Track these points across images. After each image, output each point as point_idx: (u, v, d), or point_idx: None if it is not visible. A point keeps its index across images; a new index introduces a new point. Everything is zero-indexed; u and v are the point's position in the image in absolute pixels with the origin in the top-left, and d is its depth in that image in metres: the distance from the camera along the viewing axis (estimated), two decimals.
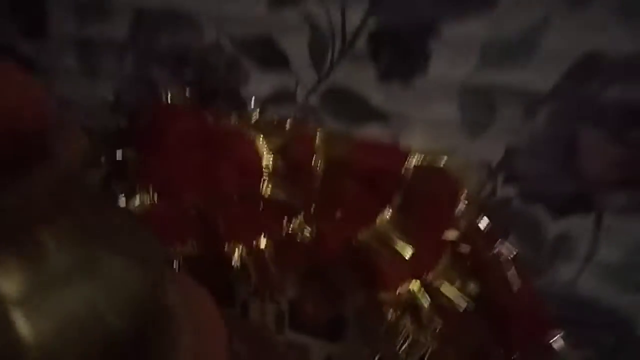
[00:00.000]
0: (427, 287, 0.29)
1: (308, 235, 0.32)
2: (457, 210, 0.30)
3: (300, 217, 0.32)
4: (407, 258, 0.28)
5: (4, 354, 0.15)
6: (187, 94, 0.34)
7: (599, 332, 0.35)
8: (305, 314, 0.38)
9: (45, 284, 0.16)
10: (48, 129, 0.16)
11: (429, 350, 0.29)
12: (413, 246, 0.29)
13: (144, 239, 0.18)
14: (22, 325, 0.15)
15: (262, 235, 0.32)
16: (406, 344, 0.28)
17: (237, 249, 0.32)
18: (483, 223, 0.31)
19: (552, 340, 0.28)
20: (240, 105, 0.34)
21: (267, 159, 0.31)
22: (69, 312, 0.15)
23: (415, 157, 0.30)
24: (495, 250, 0.30)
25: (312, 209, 0.31)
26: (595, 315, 0.35)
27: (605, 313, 0.34)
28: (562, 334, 0.29)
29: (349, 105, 0.32)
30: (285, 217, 0.32)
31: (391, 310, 0.28)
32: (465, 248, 0.30)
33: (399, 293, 0.28)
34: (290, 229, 0.32)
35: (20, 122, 0.15)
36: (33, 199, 0.16)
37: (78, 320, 0.15)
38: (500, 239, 0.31)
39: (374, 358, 0.35)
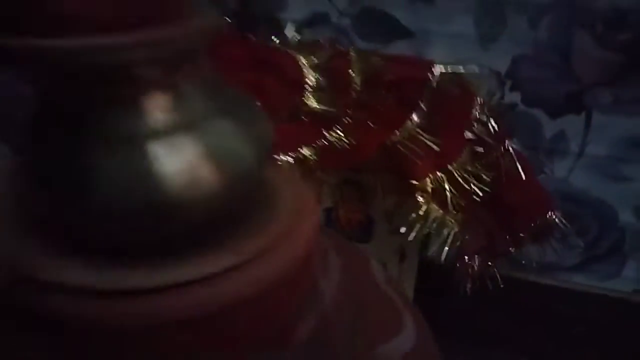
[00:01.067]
0: (449, 177, 0.34)
1: (346, 142, 0.37)
2: (473, 113, 0.35)
3: (339, 127, 0.37)
4: (433, 153, 0.34)
5: (148, 184, 0.20)
6: (230, 22, 0.38)
7: (587, 222, 0.42)
8: (339, 219, 0.44)
9: (182, 124, 0.20)
10: None
11: (452, 232, 0.35)
12: (438, 143, 0.34)
13: (262, 119, 0.22)
14: (163, 159, 0.20)
15: (306, 145, 0.37)
16: (434, 225, 0.34)
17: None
18: (493, 125, 0.37)
19: (552, 217, 0.35)
20: (279, 30, 0.38)
21: (308, 76, 0.36)
22: (201, 152, 0.20)
23: (438, 68, 0.35)
24: (504, 147, 0.36)
25: (349, 119, 0.36)
26: (584, 206, 0.42)
27: (594, 203, 0.41)
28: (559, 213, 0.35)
29: (378, 25, 0.37)
30: (326, 127, 0.37)
31: (421, 197, 0.34)
32: (479, 145, 0.36)
33: (427, 182, 0.34)
34: (330, 137, 0.37)
35: None
36: None
37: (208, 161, 0.20)
38: (507, 138, 0.37)
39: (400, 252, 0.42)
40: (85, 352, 0.21)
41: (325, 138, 0.37)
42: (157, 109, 0.19)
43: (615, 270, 0.43)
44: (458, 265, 0.38)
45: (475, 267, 0.38)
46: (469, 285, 0.39)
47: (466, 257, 0.38)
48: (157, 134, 0.19)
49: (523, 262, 0.40)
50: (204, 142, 0.20)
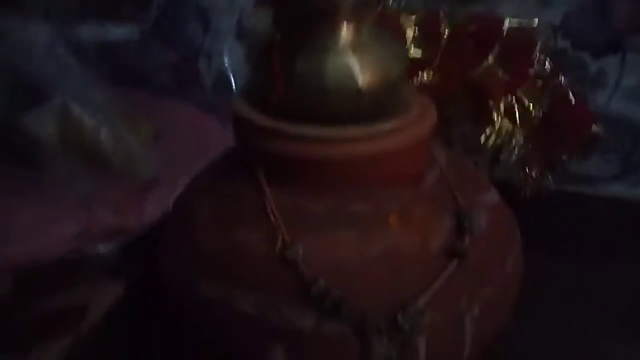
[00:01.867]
0: (517, 100, 0.47)
1: (435, 81, 0.49)
2: (533, 55, 0.47)
3: (431, 69, 0.49)
4: (504, 82, 0.46)
5: (346, 87, 0.32)
6: None
7: (622, 139, 0.53)
8: None
9: (363, 43, 0.33)
10: None
11: (519, 143, 0.47)
12: (508, 75, 0.46)
13: (402, 46, 0.35)
14: (356, 66, 0.33)
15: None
16: (505, 137, 0.46)
17: None
18: (549, 64, 0.48)
19: (595, 130, 0.47)
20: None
21: (408, 30, 0.48)
22: (379, 60, 0.33)
23: (507, 21, 0.47)
24: (558, 80, 0.48)
25: (438, 62, 0.49)
26: (620, 127, 0.53)
27: (628, 124, 0.52)
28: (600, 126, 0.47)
29: None
30: (421, 69, 0.49)
31: (495, 114, 0.46)
32: (539, 79, 0.48)
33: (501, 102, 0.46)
34: (424, 77, 0.49)
35: None
36: None
37: (384, 66, 0.33)
38: (560, 74, 0.48)
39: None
40: (285, 180, 0.34)
41: (420, 78, 0.50)
42: (349, 33, 0.33)
43: None
44: (520, 175, 0.50)
45: (534, 176, 0.50)
46: (528, 192, 0.51)
47: (527, 168, 0.50)
48: (350, 48, 0.32)
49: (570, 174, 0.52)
50: (376, 55, 0.33)
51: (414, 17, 0.48)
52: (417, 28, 0.48)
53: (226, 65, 0.61)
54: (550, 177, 0.51)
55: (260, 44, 0.34)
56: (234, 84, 0.60)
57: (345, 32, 0.33)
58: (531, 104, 0.47)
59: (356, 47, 0.33)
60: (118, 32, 0.49)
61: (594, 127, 0.48)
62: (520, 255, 0.39)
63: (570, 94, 0.48)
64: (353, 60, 0.32)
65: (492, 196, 0.39)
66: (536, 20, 0.48)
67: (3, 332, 0.41)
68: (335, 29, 0.32)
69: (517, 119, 0.47)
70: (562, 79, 0.48)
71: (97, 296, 0.45)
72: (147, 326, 0.47)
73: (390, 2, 0.50)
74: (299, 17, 0.33)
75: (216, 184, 0.40)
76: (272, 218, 0.34)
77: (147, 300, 0.46)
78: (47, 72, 0.43)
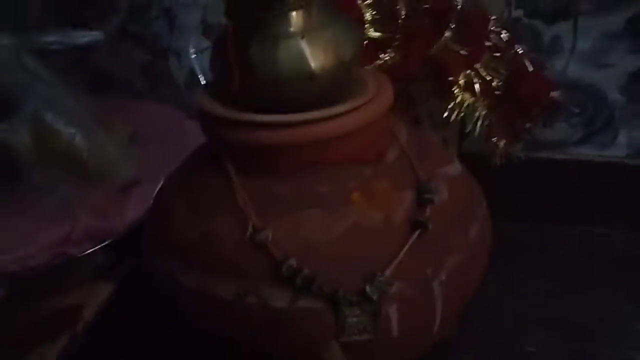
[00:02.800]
0: (476, 74, 0.48)
1: (396, 60, 0.50)
2: (489, 27, 0.49)
3: (390, 49, 0.50)
4: (462, 57, 0.47)
5: (300, 72, 0.34)
6: None
7: (584, 104, 0.55)
8: None
9: (315, 27, 0.34)
10: None
11: (482, 114, 0.49)
12: (465, 50, 0.47)
13: (356, 28, 0.36)
14: (308, 50, 0.34)
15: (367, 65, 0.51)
16: (468, 109, 0.48)
17: None
18: (505, 34, 0.50)
19: (555, 96, 0.48)
20: None
21: (365, 10, 0.49)
22: (330, 43, 0.34)
23: None
24: (514, 50, 0.49)
25: (397, 41, 0.50)
26: (580, 91, 0.54)
27: (587, 88, 0.54)
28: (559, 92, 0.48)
29: None
30: (381, 50, 0.50)
31: (456, 89, 0.48)
32: (496, 50, 0.49)
33: (460, 77, 0.47)
34: (384, 57, 0.50)
35: None
36: None
37: (336, 48, 0.34)
38: (516, 43, 0.50)
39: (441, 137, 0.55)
40: (251, 167, 0.35)
41: (380, 58, 0.51)
42: (299, 19, 0.34)
43: (611, 139, 0.57)
44: (488, 145, 0.52)
45: (502, 146, 0.52)
46: (498, 161, 0.52)
47: (493, 138, 0.52)
48: (301, 33, 0.34)
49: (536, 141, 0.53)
50: (327, 38, 0.34)
51: (371, 0, 0.49)
52: (374, 10, 0.49)
53: (194, 62, 0.62)
54: (518, 146, 0.53)
55: (215, 37, 0.35)
56: (203, 79, 0.61)
57: (295, 18, 0.34)
58: (490, 76, 0.48)
59: (307, 31, 0.34)
60: (84, 38, 0.50)
61: (554, 94, 0.49)
62: (486, 224, 0.41)
63: (528, 63, 0.49)
64: (304, 44, 0.34)
65: (453, 168, 0.41)
66: None
67: (1, 338, 0.42)
68: (285, 16, 0.34)
69: (478, 91, 0.48)
70: (519, 49, 0.49)
71: (89, 296, 0.47)
72: (139, 320, 0.49)
73: None
74: (249, 6, 0.34)
75: (189, 178, 0.41)
76: (241, 205, 0.35)
77: (136, 295, 0.48)
78: (16, 82, 0.44)
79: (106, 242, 0.48)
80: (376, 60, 0.51)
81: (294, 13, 0.34)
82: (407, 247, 0.34)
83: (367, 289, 0.32)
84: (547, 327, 0.50)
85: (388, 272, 0.33)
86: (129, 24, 0.65)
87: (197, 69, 0.61)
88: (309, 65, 0.34)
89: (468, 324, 0.50)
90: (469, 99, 0.48)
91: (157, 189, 0.45)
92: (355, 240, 0.34)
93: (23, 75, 0.45)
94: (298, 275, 0.33)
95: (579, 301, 0.52)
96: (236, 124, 0.35)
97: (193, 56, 0.61)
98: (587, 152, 0.57)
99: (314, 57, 0.34)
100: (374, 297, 0.32)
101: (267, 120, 0.34)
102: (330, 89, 0.35)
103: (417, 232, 0.34)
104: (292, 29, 0.34)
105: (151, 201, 0.45)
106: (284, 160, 0.35)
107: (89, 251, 0.47)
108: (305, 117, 0.34)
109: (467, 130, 0.49)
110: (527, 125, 0.51)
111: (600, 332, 0.49)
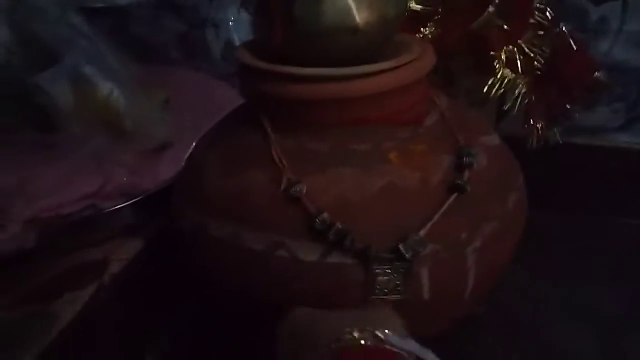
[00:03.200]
0: (519, 49, 0.47)
1: (437, 34, 0.50)
2: (534, 5, 0.48)
3: (431, 23, 0.49)
4: (505, 32, 0.46)
5: (344, 26, 0.33)
6: None
7: (628, 88, 0.53)
8: None
9: None
10: None
11: (522, 92, 0.48)
12: (509, 25, 0.46)
13: None
14: (353, 5, 0.33)
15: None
16: (508, 85, 0.47)
17: None
18: (550, 13, 0.48)
19: (598, 77, 0.47)
20: None
21: None
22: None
23: None
24: (559, 28, 0.48)
25: (439, 15, 0.49)
26: (625, 75, 0.53)
27: (632, 71, 0.53)
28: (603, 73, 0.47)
29: None
30: (422, 24, 0.50)
31: (498, 64, 0.47)
32: (540, 29, 0.48)
33: (502, 53, 0.46)
34: (425, 31, 0.50)
35: None
36: None
37: (380, 4, 0.33)
38: (561, 23, 0.49)
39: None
40: (288, 123, 0.35)
41: (421, 32, 0.50)
42: None
43: None
44: (526, 126, 0.51)
45: (539, 127, 0.51)
46: (534, 143, 0.51)
47: (531, 119, 0.51)
48: None
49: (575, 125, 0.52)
50: None
51: None
52: None
53: (232, 32, 0.62)
54: (556, 130, 0.51)
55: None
56: None
57: None
58: (533, 53, 0.47)
59: None
60: None
61: (597, 75, 0.48)
62: (523, 196, 0.40)
63: (572, 42, 0.48)
64: None
65: (492, 139, 0.40)
66: None
67: (29, 285, 0.43)
68: None
69: (519, 68, 0.47)
70: (563, 27, 0.48)
71: (117, 251, 0.47)
72: (165, 276, 0.49)
73: None
74: None
75: (224, 134, 0.41)
76: (276, 160, 0.35)
77: (163, 255, 0.48)
78: (59, 35, 0.44)
79: (136, 199, 0.48)
80: (417, 33, 0.51)
81: None
82: (443, 209, 0.33)
83: (401, 247, 0.32)
84: (572, 315, 0.49)
85: (422, 232, 0.33)
86: None
87: (236, 40, 0.61)
88: (354, 19, 0.33)
89: (494, 308, 0.49)
90: (510, 75, 0.47)
91: (191, 149, 0.45)
92: (390, 199, 0.33)
93: (66, 30, 0.46)
94: (331, 229, 0.32)
95: (609, 292, 0.51)
96: (276, 77, 0.35)
97: (231, 27, 0.62)
98: (627, 140, 0.55)
99: (359, 11, 0.33)
100: (407, 256, 0.32)
101: (307, 74, 0.34)
102: (374, 45, 0.35)
103: (454, 195, 0.34)
104: None
105: (183, 164, 0.45)
106: (322, 117, 0.35)
107: (119, 206, 0.47)
108: (346, 71, 0.33)
109: (506, 108, 0.48)
110: (567, 106, 0.50)
111: (627, 321, 0.48)
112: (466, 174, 0.35)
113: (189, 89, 0.61)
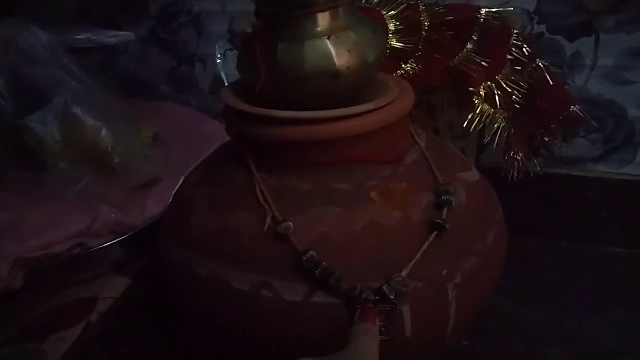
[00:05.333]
0: (497, 85, 0.48)
1: (418, 70, 0.51)
2: (511, 41, 0.49)
3: (413, 59, 0.51)
4: (484, 69, 0.48)
5: (325, 71, 0.34)
6: None
7: (604, 120, 0.55)
8: None
9: (340, 28, 0.35)
10: None
11: (501, 126, 0.49)
12: (487, 62, 0.48)
13: (380, 31, 0.37)
14: (333, 51, 0.34)
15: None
16: (488, 120, 0.48)
17: None
18: (527, 49, 0.50)
19: (574, 110, 0.48)
20: None
21: (389, 23, 0.50)
22: (355, 44, 0.35)
23: (484, 10, 0.49)
24: (535, 64, 0.50)
25: (420, 52, 0.50)
26: (600, 108, 0.55)
27: (607, 104, 0.54)
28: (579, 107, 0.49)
29: None
30: (403, 61, 0.51)
31: (477, 100, 0.48)
32: (517, 64, 0.49)
33: (481, 89, 0.48)
34: (406, 68, 0.51)
35: None
36: None
37: (360, 49, 0.35)
38: (537, 57, 0.50)
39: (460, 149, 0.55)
40: (273, 163, 0.36)
41: (403, 68, 0.52)
42: (325, 20, 0.35)
43: (631, 157, 0.57)
44: (506, 158, 0.52)
45: (520, 159, 0.52)
46: (515, 174, 0.52)
47: (512, 151, 0.52)
48: (327, 33, 0.35)
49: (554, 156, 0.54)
50: (352, 39, 0.35)
51: (393, 10, 0.50)
52: (397, 21, 0.50)
53: (219, 67, 0.64)
54: (537, 160, 0.53)
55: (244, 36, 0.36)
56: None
57: (322, 19, 0.35)
58: (510, 89, 0.49)
59: (333, 32, 0.35)
60: (116, 37, 0.52)
61: (573, 108, 0.49)
62: (503, 230, 0.41)
63: (549, 77, 0.49)
64: (330, 44, 0.35)
65: (472, 175, 0.41)
66: (510, 7, 0.50)
67: (18, 323, 0.43)
68: (312, 17, 0.35)
69: (498, 103, 0.49)
70: (540, 63, 0.50)
71: (105, 289, 0.47)
72: (152, 313, 0.49)
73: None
74: (278, 7, 0.35)
75: (211, 173, 0.42)
76: (261, 200, 0.36)
77: (151, 289, 0.48)
78: (49, 77, 0.45)
79: (125, 236, 0.48)
80: (398, 70, 0.52)
81: (321, 14, 0.35)
82: (424, 248, 0.34)
83: (385, 288, 0.33)
84: (560, 344, 0.49)
85: (405, 272, 0.33)
86: (158, 30, 0.67)
87: (223, 75, 0.63)
88: (334, 64, 0.34)
89: (481, 337, 0.49)
90: (489, 110, 0.48)
91: (179, 184, 0.46)
92: (372, 238, 0.34)
93: (57, 71, 0.47)
94: (318, 267, 0.33)
95: (594, 319, 0.52)
96: (260, 120, 0.36)
97: (219, 62, 0.63)
98: (606, 170, 0.57)
99: (339, 56, 0.35)
100: (392, 297, 0.32)
101: (290, 117, 0.35)
102: (354, 88, 0.36)
103: (434, 234, 0.35)
104: (319, 29, 0.35)
105: (170, 199, 0.46)
106: (305, 157, 0.36)
107: (107, 244, 0.47)
108: (328, 114, 0.34)
109: (486, 142, 0.50)
110: (546, 139, 0.51)
111: (614, 350, 0.49)
112: (445, 212, 0.36)
113: (177, 124, 0.62)
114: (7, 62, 0.43)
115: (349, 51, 0.35)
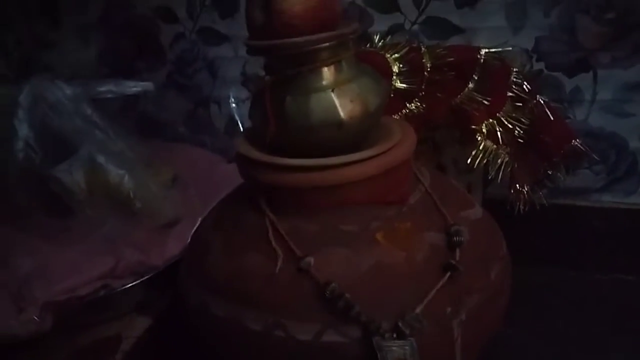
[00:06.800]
0: (499, 122, 0.50)
1: (422, 109, 0.53)
2: (511, 79, 0.51)
3: (417, 99, 0.53)
4: (485, 106, 0.50)
5: (329, 121, 0.37)
6: None
7: (606, 152, 0.56)
8: None
9: (344, 80, 0.37)
10: None
11: (504, 161, 0.51)
12: (488, 100, 0.50)
13: (382, 80, 0.40)
14: (337, 102, 0.37)
15: (394, 114, 0.54)
16: (491, 156, 0.50)
17: None
18: (527, 86, 0.52)
19: (576, 144, 0.50)
20: (369, 40, 0.56)
21: (393, 65, 0.53)
22: (357, 94, 0.37)
23: (484, 50, 0.51)
24: (536, 100, 0.52)
25: (423, 92, 0.53)
26: (602, 140, 0.56)
27: (609, 137, 0.56)
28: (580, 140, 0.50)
29: (439, 27, 0.54)
30: (407, 100, 0.53)
31: (479, 136, 0.50)
32: (518, 101, 0.51)
33: (483, 126, 0.50)
34: (410, 107, 0.53)
35: None
36: None
37: (362, 99, 0.37)
38: (537, 94, 0.52)
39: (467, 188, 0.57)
40: (283, 206, 0.38)
41: (407, 107, 0.54)
42: (329, 73, 0.37)
43: (634, 187, 0.58)
44: (512, 191, 0.53)
45: (525, 192, 0.54)
46: (521, 207, 0.54)
47: (517, 185, 0.53)
48: (331, 86, 0.37)
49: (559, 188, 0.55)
50: (355, 90, 0.37)
51: (397, 53, 0.53)
52: (401, 63, 0.53)
53: (233, 110, 0.67)
54: (541, 192, 0.54)
55: (255, 89, 0.39)
56: (241, 126, 0.65)
57: (327, 72, 0.37)
58: (512, 125, 0.51)
59: (337, 84, 0.37)
60: (136, 87, 0.55)
61: (575, 142, 0.51)
62: (507, 266, 0.42)
63: (549, 112, 0.51)
64: (334, 97, 0.37)
65: (475, 212, 0.43)
66: (510, 47, 0.52)
67: None
68: (317, 71, 0.37)
69: (500, 139, 0.50)
70: (541, 99, 0.52)
71: (128, 329, 0.50)
72: (173, 353, 0.51)
73: (376, 40, 0.55)
74: (285, 62, 0.38)
75: (225, 215, 0.44)
76: (273, 241, 0.38)
77: (171, 331, 0.50)
78: (74, 128, 0.48)
79: (146, 277, 0.51)
80: (403, 109, 0.54)
81: (325, 68, 0.37)
82: (438, 286, 0.35)
83: (400, 324, 0.34)
84: None
85: (419, 308, 0.35)
86: (175, 75, 0.71)
87: (237, 117, 0.66)
88: (338, 115, 0.37)
89: None
90: (491, 146, 0.50)
91: (196, 227, 0.48)
92: (379, 278, 0.36)
93: (80, 122, 0.50)
94: (341, 298, 0.34)
95: (602, 348, 0.52)
96: (271, 167, 0.38)
97: (233, 105, 0.66)
98: (611, 199, 0.58)
99: (343, 107, 0.37)
100: (407, 332, 0.34)
101: (298, 164, 0.37)
102: (357, 136, 0.39)
103: (448, 274, 0.36)
104: (323, 83, 0.37)
105: (189, 239, 0.48)
106: (312, 201, 0.38)
107: (130, 284, 0.50)
108: (333, 161, 0.37)
109: (491, 177, 0.51)
110: (549, 172, 0.53)
111: None
112: (457, 253, 0.37)
113: (194, 165, 0.65)
114: (36, 115, 0.47)
115: (351, 101, 0.37)
